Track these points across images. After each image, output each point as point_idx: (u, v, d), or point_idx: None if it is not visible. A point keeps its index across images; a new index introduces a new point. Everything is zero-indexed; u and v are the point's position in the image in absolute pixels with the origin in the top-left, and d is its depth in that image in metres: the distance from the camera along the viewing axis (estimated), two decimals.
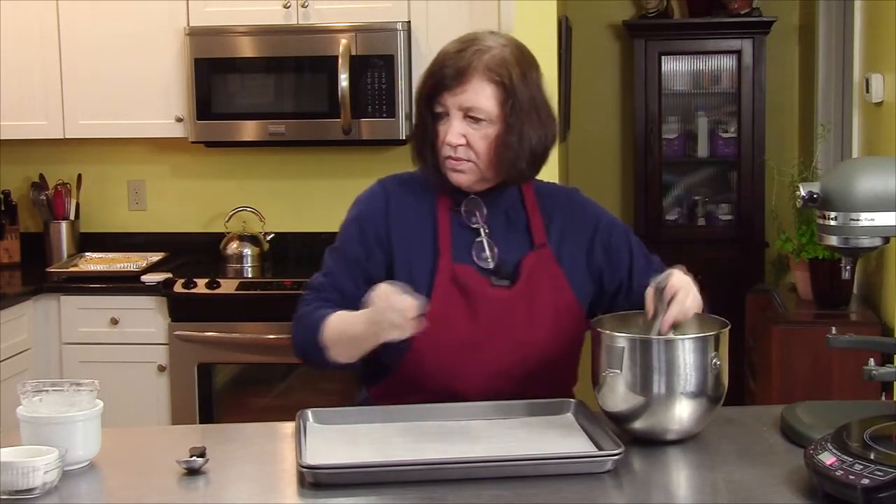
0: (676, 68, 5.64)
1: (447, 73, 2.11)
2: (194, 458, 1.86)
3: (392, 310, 1.95)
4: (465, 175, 2.15)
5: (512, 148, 2.13)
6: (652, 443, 1.94)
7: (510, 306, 2.15)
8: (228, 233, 4.48)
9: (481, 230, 2.20)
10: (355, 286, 2.18)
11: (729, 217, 5.56)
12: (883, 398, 2.13)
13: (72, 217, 4.52)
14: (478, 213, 2.20)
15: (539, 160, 2.19)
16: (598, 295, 2.24)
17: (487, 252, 2.19)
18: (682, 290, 1.99)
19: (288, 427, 2.08)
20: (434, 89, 2.13)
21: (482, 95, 2.11)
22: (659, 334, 1.96)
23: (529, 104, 2.14)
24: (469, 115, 2.12)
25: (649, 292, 2.02)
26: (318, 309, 2.17)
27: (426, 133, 2.16)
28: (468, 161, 2.13)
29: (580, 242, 2.23)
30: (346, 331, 2.10)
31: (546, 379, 2.16)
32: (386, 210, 2.21)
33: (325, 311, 2.16)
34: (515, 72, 2.13)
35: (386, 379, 2.19)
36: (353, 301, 2.16)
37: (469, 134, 2.12)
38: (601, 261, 2.23)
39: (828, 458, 1.66)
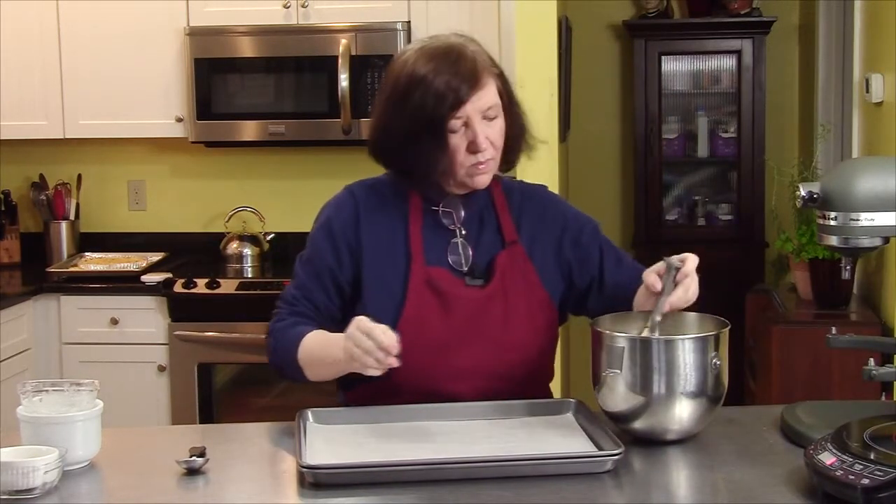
0: (676, 68, 5.63)
1: (462, 87, 2.08)
2: (194, 458, 1.86)
3: (372, 351, 1.93)
4: (487, 175, 2.16)
5: (518, 130, 2.18)
6: (652, 443, 1.94)
7: (485, 306, 2.15)
8: (228, 233, 4.48)
9: (457, 232, 2.20)
10: (327, 298, 2.19)
11: (729, 217, 5.56)
12: (883, 398, 2.13)
13: (72, 217, 4.52)
14: (454, 215, 2.20)
15: (528, 133, 2.24)
16: (568, 292, 2.24)
17: (462, 254, 2.19)
18: (690, 277, 2.03)
19: (288, 427, 2.08)
20: (453, 105, 2.08)
21: (492, 92, 2.13)
22: (658, 315, 1.99)
23: (513, 93, 2.20)
24: (485, 116, 2.11)
25: (658, 267, 2.04)
26: (295, 325, 2.16)
27: (438, 153, 2.11)
28: (492, 160, 2.14)
29: (549, 240, 2.24)
30: (322, 355, 2.09)
31: (522, 376, 2.16)
32: (356, 216, 2.20)
33: (302, 328, 2.15)
34: (491, 58, 2.18)
35: (361, 384, 2.16)
36: (327, 313, 2.18)
37: (489, 133, 2.12)
38: (571, 257, 2.24)
39: (828, 458, 1.65)
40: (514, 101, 2.20)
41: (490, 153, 2.13)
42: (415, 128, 2.10)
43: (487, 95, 2.11)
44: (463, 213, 2.21)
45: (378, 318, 2.01)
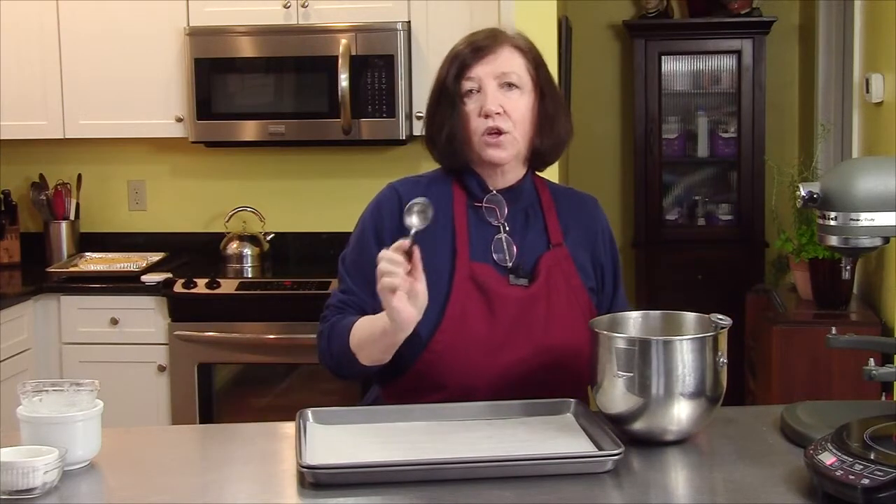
0: (676, 68, 5.64)
1: (474, 48, 2.13)
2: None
3: (389, 265, 1.93)
4: (503, 150, 2.14)
5: (549, 115, 2.16)
6: (651, 443, 1.94)
7: (528, 306, 2.15)
8: (228, 233, 4.48)
9: (501, 228, 2.20)
10: (375, 300, 2.18)
11: (729, 217, 5.57)
12: (883, 398, 2.13)
13: (72, 217, 4.53)
14: (498, 211, 2.21)
15: (563, 145, 2.23)
16: None
17: (506, 250, 2.19)
18: None
19: (288, 427, 2.08)
20: (462, 65, 2.13)
21: (514, 62, 2.14)
22: None
23: (553, 84, 2.20)
24: (504, 82, 2.13)
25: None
26: (343, 318, 2.17)
27: (453, 119, 2.14)
28: (507, 133, 2.13)
29: (587, 250, 2.25)
30: (371, 330, 2.08)
31: (561, 379, 2.15)
32: (400, 212, 2.20)
33: (351, 317, 2.16)
34: (537, 52, 2.20)
35: (401, 377, 2.17)
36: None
37: (505, 102, 2.13)
38: (595, 275, 2.26)
39: (828, 458, 1.65)
40: (550, 87, 2.18)
41: (504, 123, 2.12)
42: (436, 93, 2.18)
43: (503, 61, 2.13)
44: (507, 210, 2.21)
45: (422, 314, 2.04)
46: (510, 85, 2.14)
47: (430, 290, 2.10)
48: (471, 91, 2.14)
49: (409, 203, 1.96)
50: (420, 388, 2.14)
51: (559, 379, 2.15)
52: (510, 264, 2.18)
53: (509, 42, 2.16)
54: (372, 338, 2.08)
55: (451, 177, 2.23)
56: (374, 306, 2.17)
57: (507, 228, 2.20)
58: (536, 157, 2.22)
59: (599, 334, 1.96)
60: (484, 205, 2.21)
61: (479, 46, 2.14)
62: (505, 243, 2.19)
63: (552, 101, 2.18)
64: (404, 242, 1.94)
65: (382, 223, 2.20)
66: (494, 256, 2.18)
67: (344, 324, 2.16)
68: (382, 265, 1.94)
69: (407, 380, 2.16)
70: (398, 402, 2.13)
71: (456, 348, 2.10)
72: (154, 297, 4.05)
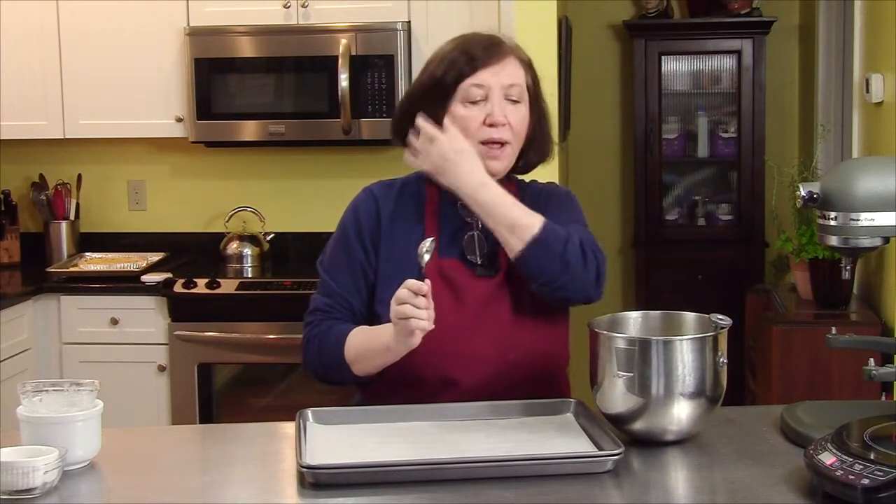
0: (676, 68, 5.64)
1: (482, 53, 2.12)
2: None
3: (409, 305, 1.95)
4: (501, 161, 2.16)
5: (543, 127, 2.19)
6: (651, 443, 1.94)
7: (495, 294, 2.16)
8: (228, 233, 4.48)
9: (474, 225, 2.21)
10: (360, 301, 2.20)
11: (729, 217, 5.57)
12: (883, 398, 2.13)
13: (72, 217, 4.53)
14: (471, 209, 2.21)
15: (542, 160, 2.26)
16: None
17: (477, 247, 2.20)
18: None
19: (288, 427, 2.08)
20: (463, 72, 2.12)
21: (517, 73, 2.15)
22: None
23: (544, 100, 2.22)
24: (507, 96, 2.13)
25: None
26: (336, 326, 2.18)
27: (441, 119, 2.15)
28: (508, 144, 2.15)
29: None
30: (372, 346, 2.10)
31: (535, 361, 2.16)
32: (377, 211, 2.22)
33: (343, 326, 2.17)
34: (534, 66, 2.21)
35: (382, 375, 2.17)
36: (363, 318, 2.19)
37: (508, 114, 2.14)
38: None
39: (828, 458, 1.65)
40: (541, 100, 2.21)
41: (507, 134, 2.13)
42: (425, 94, 2.16)
43: (511, 71, 2.13)
44: None
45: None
46: (513, 99, 2.15)
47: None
48: (476, 98, 2.13)
49: (420, 245, 1.98)
50: (399, 385, 2.15)
51: (533, 361, 2.16)
52: (480, 261, 2.19)
53: (514, 53, 2.17)
54: (373, 353, 2.11)
55: (425, 179, 2.24)
56: (360, 306, 2.19)
57: (480, 226, 2.20)
58: (514, 168, 2.24)
59: (599, 334, 1.96)
60: (459, 204, 2.20)
61: (488, 51, 2.13)
62: (477, 240, 2.20)
63: (542, 117, 2.22)
64: (422, 286, 1.95)
65: (362, 225, 2.23)
66: (466, 254, 2.19)
67: (336, 333, 2.17)
68: (406, 308, 1.96)
69: (387, 377, 2.16)
70: (380, 400, 2.14)
71: (429, 341, 2.08)
72: (154, 297, 4.05)
